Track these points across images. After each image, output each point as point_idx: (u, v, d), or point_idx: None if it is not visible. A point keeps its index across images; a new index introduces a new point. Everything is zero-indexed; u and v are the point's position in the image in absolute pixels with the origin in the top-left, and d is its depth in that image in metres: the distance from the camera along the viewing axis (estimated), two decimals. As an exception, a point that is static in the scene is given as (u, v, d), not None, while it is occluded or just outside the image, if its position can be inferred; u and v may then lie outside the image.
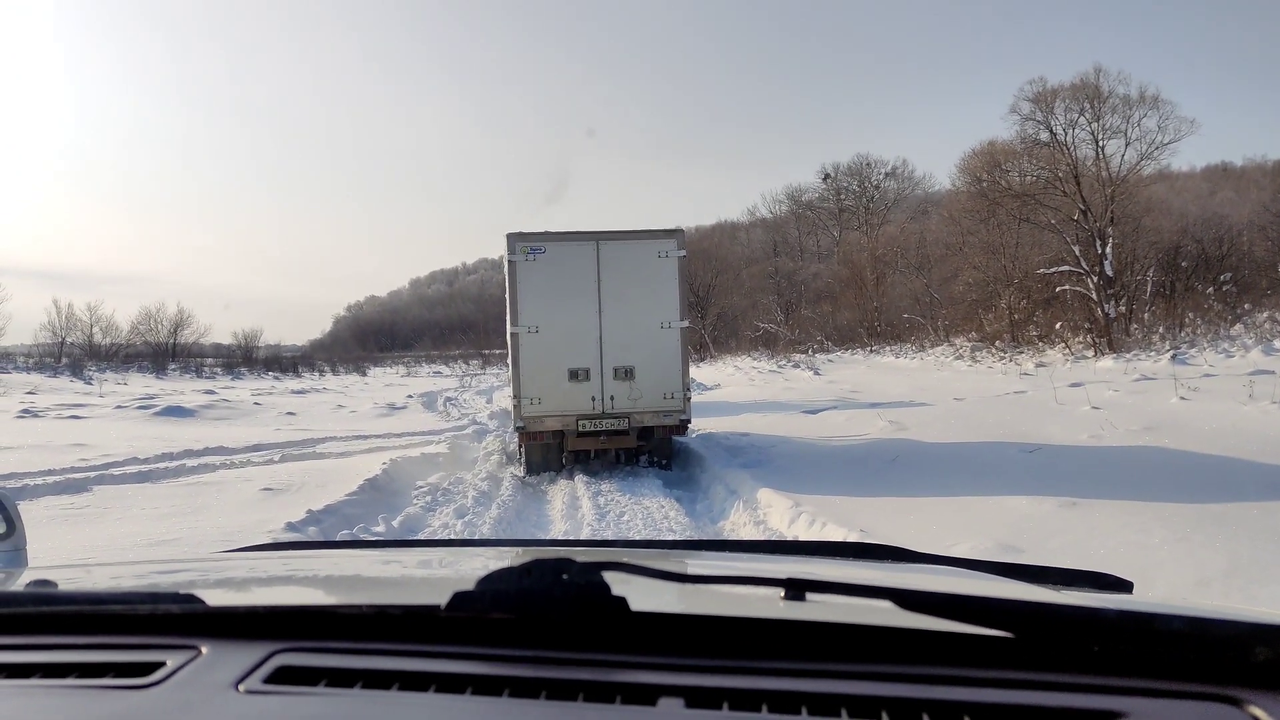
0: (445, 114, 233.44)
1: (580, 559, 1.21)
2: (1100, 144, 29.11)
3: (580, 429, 12.04)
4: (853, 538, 6.50)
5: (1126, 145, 28.96)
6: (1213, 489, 7.19)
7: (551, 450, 12.39)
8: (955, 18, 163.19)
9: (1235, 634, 1.11)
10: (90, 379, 41.00)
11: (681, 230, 12.60)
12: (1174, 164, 34.65)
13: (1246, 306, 25.00)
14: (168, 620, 1.26)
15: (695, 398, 14.79)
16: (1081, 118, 29.11)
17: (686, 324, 12.36)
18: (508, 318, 12.32)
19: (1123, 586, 1.86)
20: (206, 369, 57.34)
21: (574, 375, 12.07)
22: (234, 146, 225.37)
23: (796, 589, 1.29)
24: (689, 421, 12.47)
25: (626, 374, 12.13)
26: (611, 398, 12.12)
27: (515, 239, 12.03)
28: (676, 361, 12.19)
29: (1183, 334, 23.83)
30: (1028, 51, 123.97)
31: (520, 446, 12.66)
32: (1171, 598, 4.31)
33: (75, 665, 1.18)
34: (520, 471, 12.45)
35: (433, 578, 1.99)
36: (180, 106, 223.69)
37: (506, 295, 12.37)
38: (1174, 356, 20.35)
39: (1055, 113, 29.43)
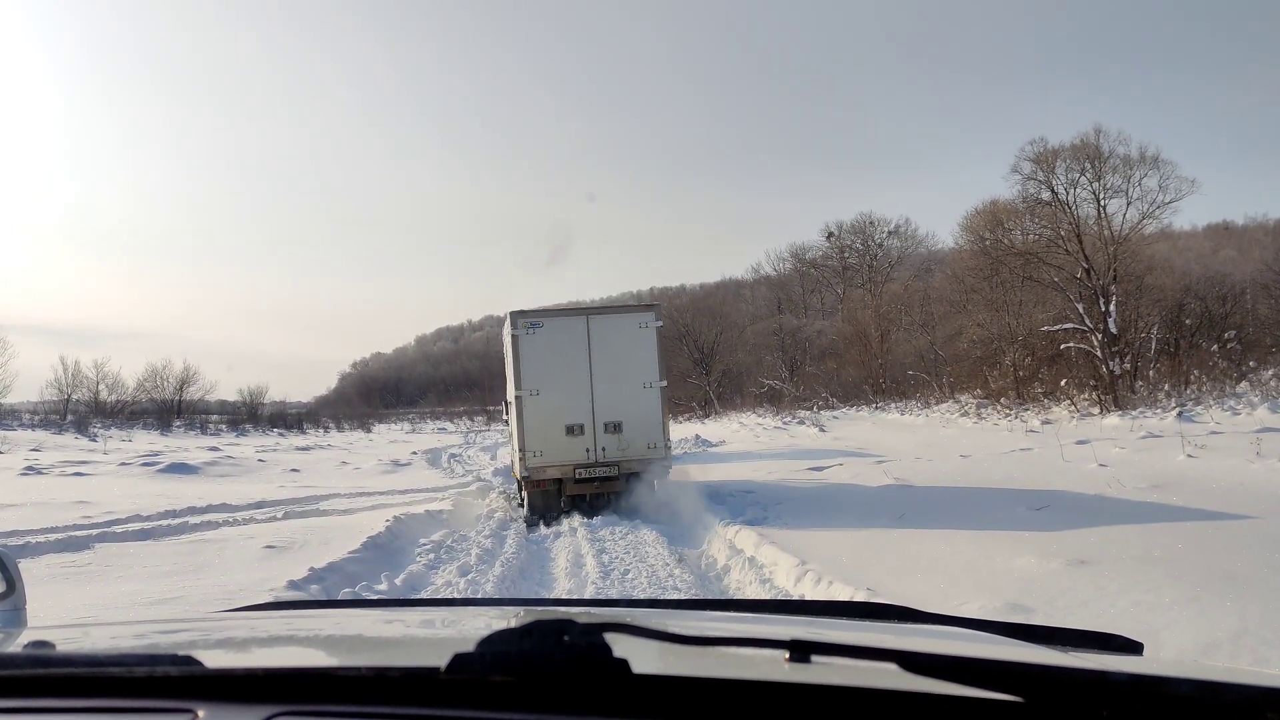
0: (450, 174, 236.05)
1: (582, 620, 1.20)
2: (1102, 203, 29.27)
3: (577, 476, 13.81)
4: (860, 596, 6.45)
5: (1128, 204, 29.10)
6: (1222, 548, 7.12)
7: (551, 496, 13.95)
8: (957, 79, 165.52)
9: (1246, 698, 1.09)
10: (95, 436, 41.07)
11: (659, 305, 15.04)
12: (1176, 223, 34.84)
13: (1251, 364, 24.97)
14: (165, 683, 1.25)
15: (699, 452, 15.91)
16: (1082, 177, 29.29)
17: (665, 384, 14.33)
18: (511, 383, 14.19)
19: (1132, 648, 1.84)
20: (211, 425, 57.44)
21: (570, 430, 13.87)
22: (240, 204, 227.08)
23: (801, 651, 1.28)
24: (669, 467, 14.26)
25: (616, 428, 13.92)
26: (603, 449, 13.90)
27: (516, 316, 13.99)
28: (658, 416, 14.05)
29: (1188, 391, 23.76)
30: (1028, 112, 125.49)
31: (523, 493, 14.30)
32: (1182, 660, 4.25)
33: None
34: (523, 526, 12.97)
35: (434, 638, 1.97)
36: (182, 164, 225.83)
37: (509, 364, 14.25)
38: (1180, 414, 20.27)
39: (1056, 172, 29.61)
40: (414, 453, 30.57)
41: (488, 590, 8.34)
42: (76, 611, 7.21)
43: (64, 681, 1.29)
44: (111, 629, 2.21)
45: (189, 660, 1.29)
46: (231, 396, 70.76)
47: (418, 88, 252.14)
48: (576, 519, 13.04)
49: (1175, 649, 4.87)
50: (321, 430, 62.71)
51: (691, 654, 1.42)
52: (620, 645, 1.14)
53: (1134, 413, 22.41)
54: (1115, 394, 25.25)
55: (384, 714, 1.15)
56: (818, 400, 42.16)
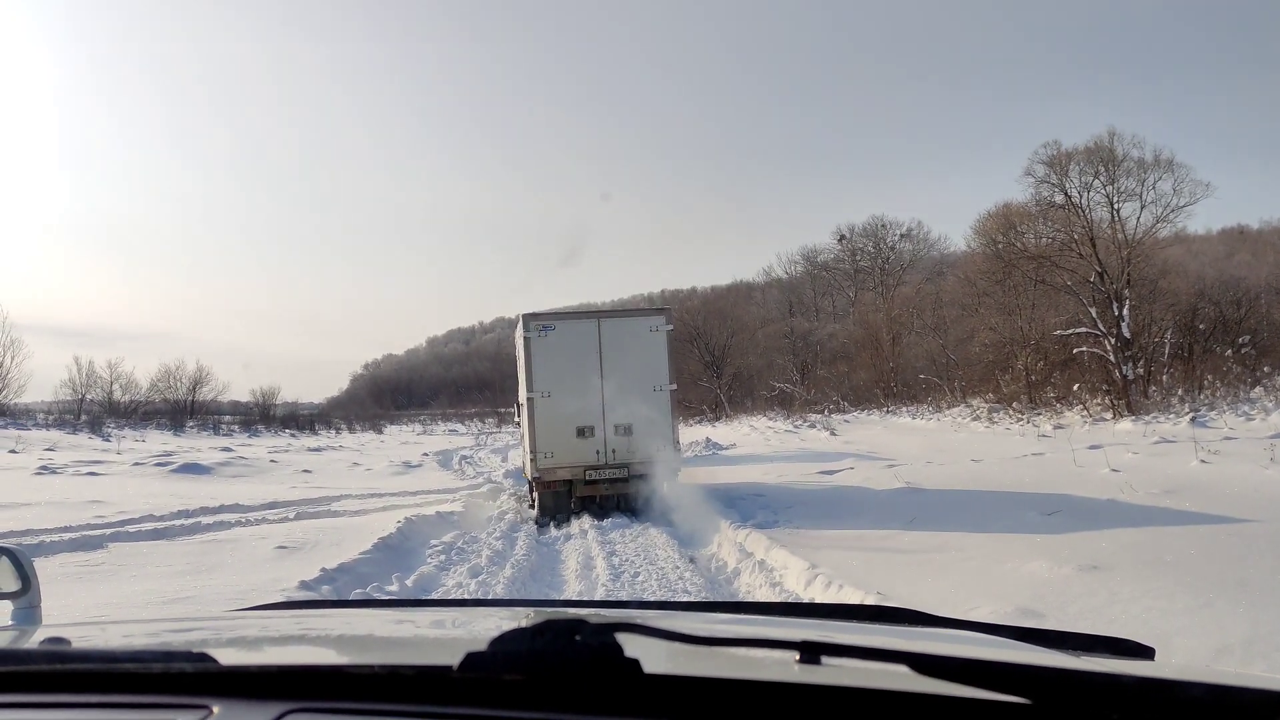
0: (461, 177, 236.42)
1: (593, 620, 1.21)
2: (1115, 206, 29.12)
3: (587, 478, 13.96)
4: (870, 600, 6.43)
5: (1142, 208, 28.96)
6: (1235, 554, 7.09)
7: (562, 496, 14.10)
8: (970, 84, 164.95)
9: (1257, 702, 1.09)
10: (109, 436, 41.24)
11: (669, 309, 15.34)
12: (1190, 227, 34.61)
13: (1266, 369, 24.77)
14: (180, 679, 1.26)
15: (709, 455, 16.18)
16: (1096, 180, 29.12)
17: (674, 387, 14.55)
18: (523, 385, 14.37)
19: (1144, 653, 1.83)
20: (224, 426, 57.59)
21: (581, 432, 14.04)
22: (253, 205, 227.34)
23: (811, 652, 1.28)
24: (678, 469, 14.22)
25: (625, 430, 14.01)
26: (613, 451, 14.02)
27: (529, 319, 14.22)
28: (667, 419, 14.17)
29: (1202, 396, 23.61)
30: (1042, 116, 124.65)
31: (534, 494, 14.47)
32: (1193, 665, 4.23)
33: None
34: (533, 528, 13.03)
35: (445, 638, 1.98)
36: (196, 165, 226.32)
37: (521, 366, 14.46)
38: (1193, 419, 20.15)
39: (1070, 175, 29.45)
40: (425, 454, 30.62)
41: (498, 591, 8.36)
42: (90, 610, 7.25)
43: (80, 677, 1.30)
44: (126, 627, 2.23)
45: (203, 657, 1.30)
46: (244, 397, 70.96)
47: (431, 90, 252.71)
48: (587, 520, 13.06)
49: (1187, 654, 4.85)
50: (333, 431, 62.88)
51: (702, 654, 1.42)
52: (631, 645, 1.14)
53: (1147, 418, 22.29)
54: (1128, 399, 25.12)
55: (396, 711, 1.16)
56: (829, 404, 42.04)
